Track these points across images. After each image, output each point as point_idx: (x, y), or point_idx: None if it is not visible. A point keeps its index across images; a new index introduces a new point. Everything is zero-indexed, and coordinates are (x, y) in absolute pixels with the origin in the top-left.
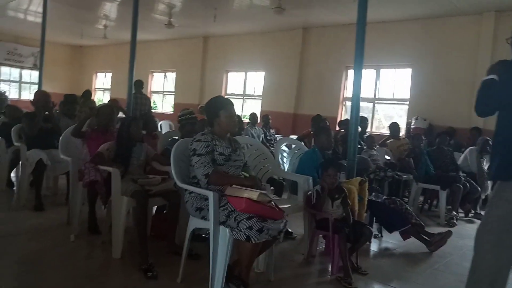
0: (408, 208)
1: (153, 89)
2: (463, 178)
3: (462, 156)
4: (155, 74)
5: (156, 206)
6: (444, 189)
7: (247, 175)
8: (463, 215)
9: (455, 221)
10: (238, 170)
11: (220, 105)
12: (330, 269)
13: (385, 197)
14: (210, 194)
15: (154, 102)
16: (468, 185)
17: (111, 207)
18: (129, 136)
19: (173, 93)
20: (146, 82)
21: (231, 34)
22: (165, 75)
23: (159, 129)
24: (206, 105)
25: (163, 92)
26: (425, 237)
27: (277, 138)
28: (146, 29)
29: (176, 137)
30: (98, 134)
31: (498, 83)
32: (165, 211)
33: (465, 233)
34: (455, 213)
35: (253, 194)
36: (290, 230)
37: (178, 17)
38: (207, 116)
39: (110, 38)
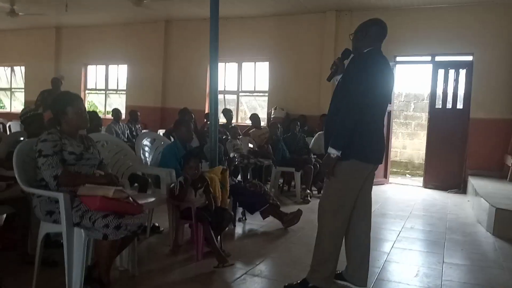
0: (267, 190)
1: None
2: (314, 160)
3: (313, 140)
4: None
5: (4, 215)
6: (298, 171)
7: (103, 173)
8: (316, 192)
9: (309, 198)
10: (92, 169)
11: (67, 102)
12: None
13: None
14: (60, 196)
15: (0, 101)
16: (318, 165)
17: None
18: None
19: (23, 90)
20: None
21: (88, 25)
22: (13, 69)
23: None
24: (51, 102)
25: (10, 89)
26: (280, 216)
27: None
28: None
29: (23, 138)
30: None
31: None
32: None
33: (317, 208)
34: (308, 191)
35: (108, 191)
36: (157, 225)
37: (24, 4)
38: (54, 115)
39: None
